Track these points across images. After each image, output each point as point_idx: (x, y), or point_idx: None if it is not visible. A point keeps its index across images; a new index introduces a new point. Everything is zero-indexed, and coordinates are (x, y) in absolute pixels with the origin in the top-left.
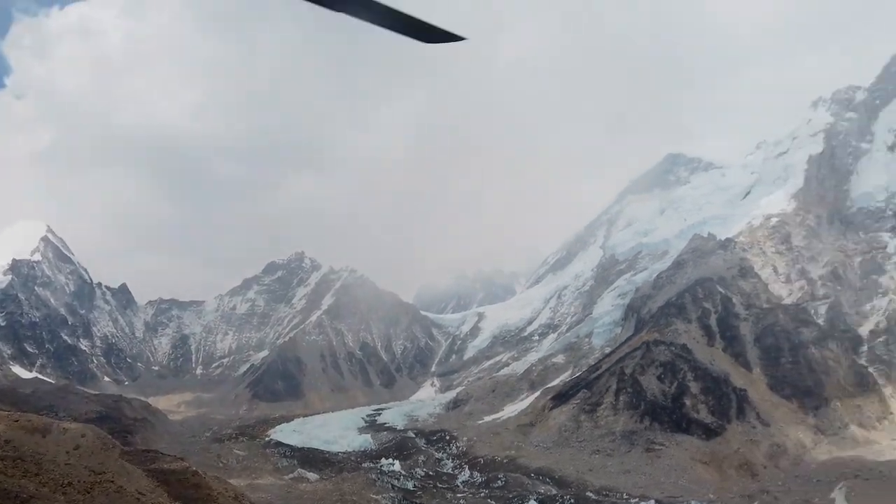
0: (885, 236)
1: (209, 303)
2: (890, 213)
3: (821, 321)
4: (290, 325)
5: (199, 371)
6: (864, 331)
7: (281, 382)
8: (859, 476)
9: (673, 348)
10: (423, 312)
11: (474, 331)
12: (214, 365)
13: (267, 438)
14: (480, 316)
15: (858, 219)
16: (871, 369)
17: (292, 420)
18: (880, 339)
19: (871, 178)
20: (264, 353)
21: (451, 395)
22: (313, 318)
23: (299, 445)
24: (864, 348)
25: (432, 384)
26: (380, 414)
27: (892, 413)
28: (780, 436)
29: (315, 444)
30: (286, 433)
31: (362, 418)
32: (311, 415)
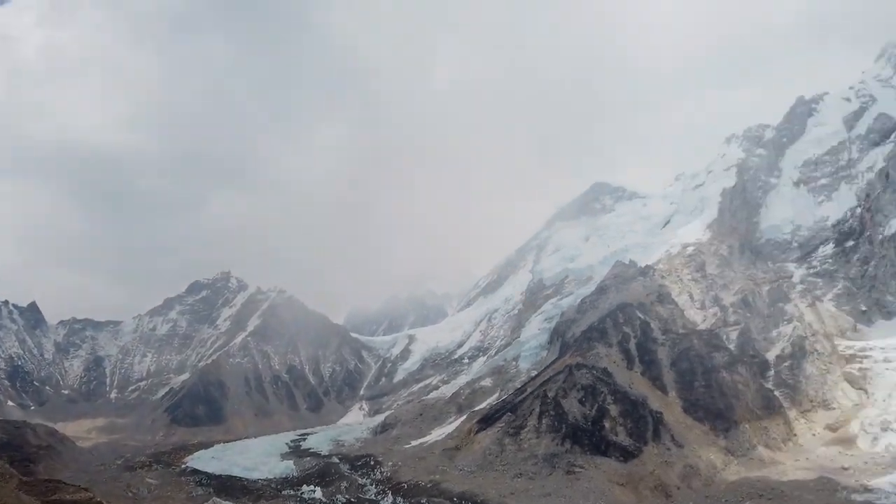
0: (791, 266)
1: (127, 323)
2: (795, 244)
3: (732, 346)
4: (213, 347)
5: (113, 395)
6: (770, 356)
7: (202, 407)
8: (763, 496)
9: (594, 372)
10: (353, 334)
11: (405, 353)
12: (131, 388)
13: (183, 466)
14: (411, 338)
15: (767, 249)
16: (776, 393)
17: (212, 446)
18: (785, 364)
19: (779, 211)
20: (185, 377)
21: (379, 418)
22: (238, 339)
23: (217, 473)
24: (771, 372)
25: (361, 408)
26: (305, 439)
27: (795, 435)
28: (693, 457)
29: (234, 472)
30: (204, 460)
31: (286, 444)
32: (232, 440)
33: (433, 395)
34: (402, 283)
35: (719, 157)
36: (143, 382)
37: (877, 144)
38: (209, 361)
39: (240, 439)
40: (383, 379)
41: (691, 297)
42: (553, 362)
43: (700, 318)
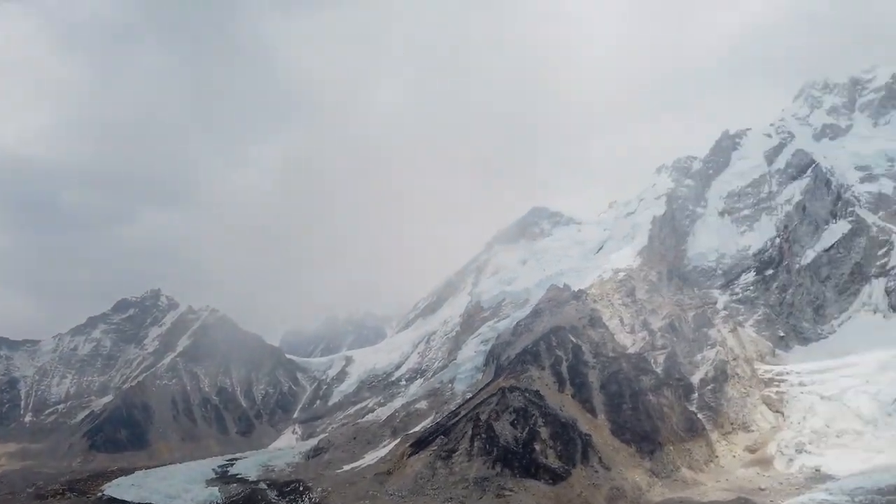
0: (716, 293)
1: (46, 342)
2: (719, 272)
3: (659, 370)
4: (139, 368)
5: (27, 419)
6: (695, 379)
7: (124, 431)
8: None
9: (527, 394)
10: (288, 356)
11: (341, 375)
12: (48, 412)
13: (99, 494)
14: (348, 360)
15: (693, 276)
16: (700, 415)
17: (133, 472)
18: (709, 388)
19: (705, 239)
20: (107, 399)
21: (312, 442)
22: (166, 360)
23: (136, 501)
24: (695, 395)
25: (294, 431)
26: (233, 464)
27: (717, 456)
28: (619, 479)
29: (154, 499)
30: (123, 488)
31: (212, 469)
32: (156, 466)
33: (368, 417)
34: (341, 303)
35: (650, 187)
36: (62, 405)
37: (794, 178)
38: (134, 383)
39: (164, 465)
40: (318, 401)
41: (622, 321)
42: (487, 385)
43: (630, 341)
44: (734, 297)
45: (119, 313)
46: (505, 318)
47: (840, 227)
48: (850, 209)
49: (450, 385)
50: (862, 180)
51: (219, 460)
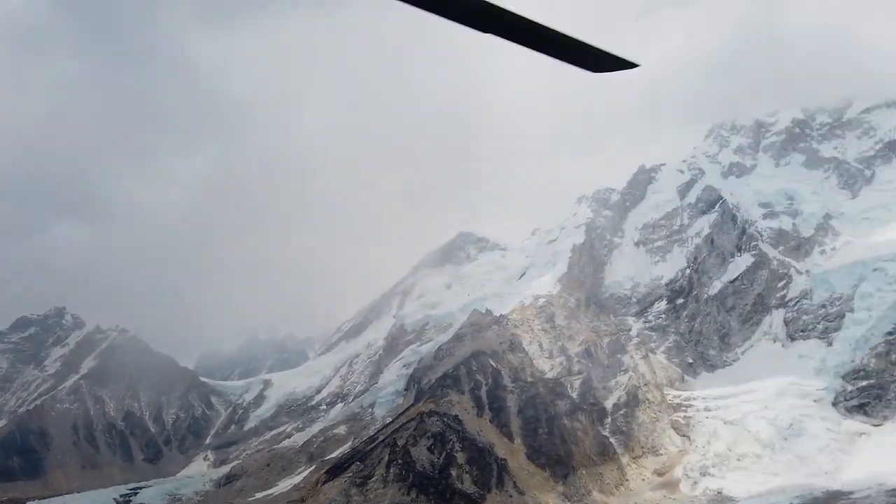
0: (630, 320)
1: None
2: (634, 300)
3: (574, 395)
4: (37, 391)
5: None
6: (608, 404)
7: (17, 458)
8: None
9: (445, 419)
10: (203, 378)
11: (259, 399)
12: None
13: None
14: (266, 383)
15: (610, 303)
16: (612, 439)
17: None
18: (621, 412)
19: (621, 268)
20: (0, 424)
21: (224, 469)
22: (69, 382)
23: None
24: (608, 420)
25: (205, 458)
26: (136, 493)
27: (627, 479)
28: (532, 503)
29: None
30: None
31: (114, 499)
32: (50, 496)
33: (285, 443)
34: (262, 325)
35: (571, 216)
36: None
37: (704, 213)
38: (31, 407)
39: (60, 495)
40: (233, 426)
41: (541, 346)
42: (407, 409)
43: (548, 366)
44: (647, 325)
45: (18, 332)
46: (428, 342)
47: (744, 260)
48: (753, 243)
49: (370, 410)
50: (764, 216)
51: (121, 489)
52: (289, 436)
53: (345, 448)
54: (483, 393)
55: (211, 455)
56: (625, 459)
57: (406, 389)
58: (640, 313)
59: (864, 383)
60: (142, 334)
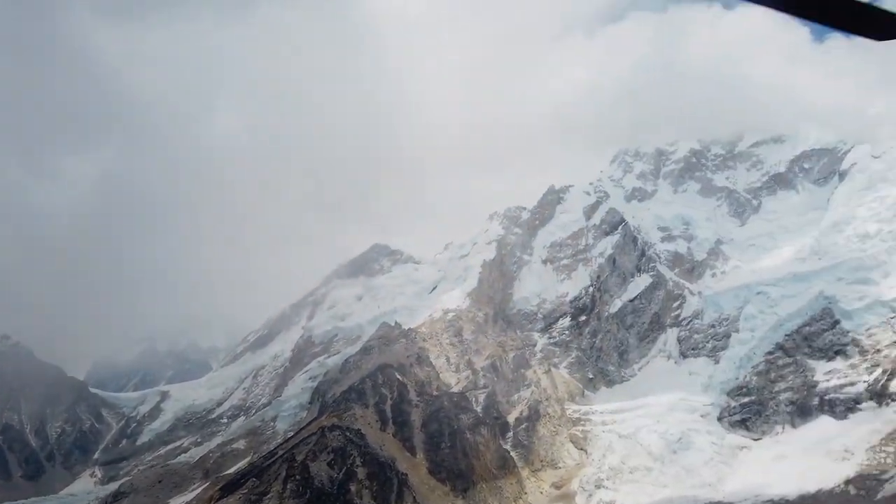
0: (536, 335)
1: None
2: (540, 316)
3: (479, 408)
4: None
5: None
6: (511, 418)
7: None
8: None
9: (348, 433)
10: (92, 390)
11: (154, 412)
12: None
13: None
14: (164, 395)
15: (517, 319)
16: (513, 453)
17: None
18: (522, 426)
19: (529, 285)
20: None
21: (112, 487)
22: None
23: None
24: (510, 434)
25: (92, 474)
26: None
27: (526, 493)
28: None
29: None
30: None
31: None
32: None
33: (181, 458)
34: (162, 334)
35: (483, 232)
36: None
37: (607, 234)
38: None
39: None
40: (125, 441)
41: (448, 360)
42: (309, 423)
43: (454, 380)
44: (551, 341)
45: None
46: (335, 354)
47: (643, 281)
48: (651, 265)
49: (272, 423)
50: (662, 240)
51: None
52: (185, 450)
53: (243, 464)
54: (388, 407)
55: (99, 471)
56: (524, 473)
57: (311, 403)
58: (546, 329)
59: (746, 400)
60: (28, 342)
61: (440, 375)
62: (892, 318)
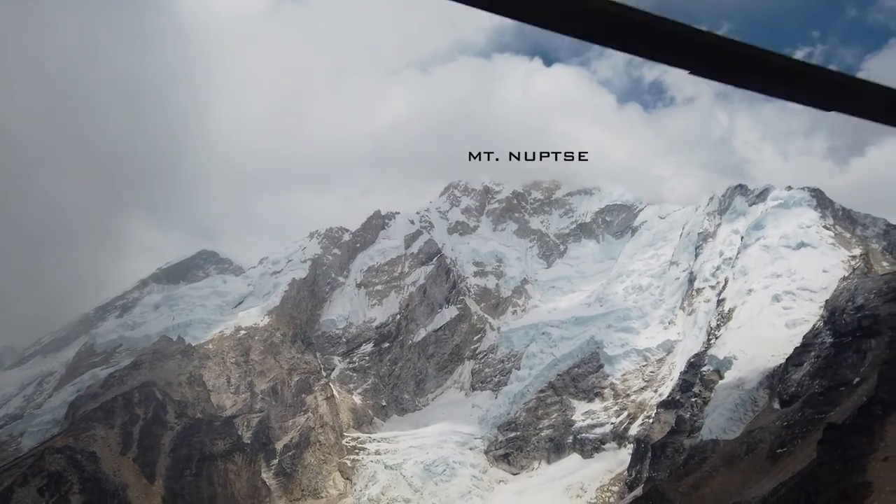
0: (336, 359)
1: None
2: (344, 340)
3: (249, 433)
4: None
5: None
6: (280, 444)
7: None
8: None
9: (79, 456)
10: None
11: None
12: None
13: None
14: None
15: (320, 341)
16: (273, 482)
17: None
18: (289, 454)
19: (339, 307)
20: None
21: None
22: None
23: None
24: (276, 461)
25: None
26: None
27: None
28: None
29: None
30: None
31: None
32: None
33: None
34: None
35: (300, 249)
36: None
37: (423, 264)
38: None
39: None
40: None
41: (229, 380)
42: (47, 441)
43: (231, 402)
44: (351, 365)
45: None
46: (114, 366)
47: (450, 312)
48: (460, 297)
49: (19, 439)
50: (475, 274)
51: None
52: None
53: None
54: (136, 428)
55: None
56: (282, 502)
57: (65, 418)
58: (347, 353)
59: (513, 435)
60: None
61: (213, 396)
62: (643, 365)
